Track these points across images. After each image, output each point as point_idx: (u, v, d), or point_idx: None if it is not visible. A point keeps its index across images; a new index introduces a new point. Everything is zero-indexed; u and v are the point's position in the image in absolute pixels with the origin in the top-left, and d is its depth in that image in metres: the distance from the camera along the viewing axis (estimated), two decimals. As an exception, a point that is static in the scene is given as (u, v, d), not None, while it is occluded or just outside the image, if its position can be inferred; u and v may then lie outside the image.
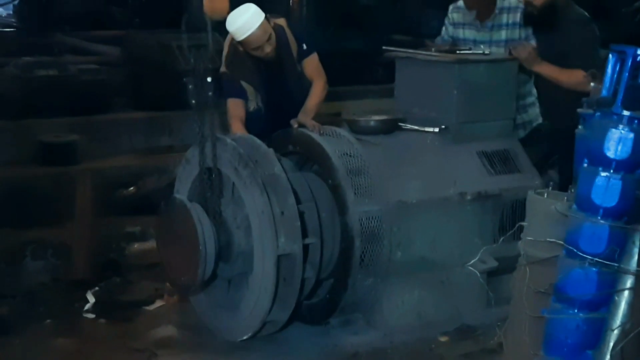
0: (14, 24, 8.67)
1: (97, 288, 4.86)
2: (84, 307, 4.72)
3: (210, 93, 4.11)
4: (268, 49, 4.75)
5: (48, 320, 4.57)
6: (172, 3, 7.06)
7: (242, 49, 4.78)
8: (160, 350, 4.26)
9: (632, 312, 2.94)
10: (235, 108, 4.85)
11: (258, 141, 4.33)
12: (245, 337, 4.23)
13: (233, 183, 4.25)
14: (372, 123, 4.82)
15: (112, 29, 7.56)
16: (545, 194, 3.16)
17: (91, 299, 4.76)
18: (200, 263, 4.07)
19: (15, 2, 9.10)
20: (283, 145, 4.62)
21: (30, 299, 4.74)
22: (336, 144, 4.49)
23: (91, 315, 4.68)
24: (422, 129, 4.79)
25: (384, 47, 5.22)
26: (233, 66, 4.83)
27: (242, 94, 4.87)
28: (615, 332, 2.95)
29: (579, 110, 3.04)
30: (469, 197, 4.60)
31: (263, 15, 4.70)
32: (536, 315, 3.03)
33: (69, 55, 6.70)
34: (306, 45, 4.93)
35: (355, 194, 4.32)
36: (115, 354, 4.23)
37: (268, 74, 4.86)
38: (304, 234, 4.13)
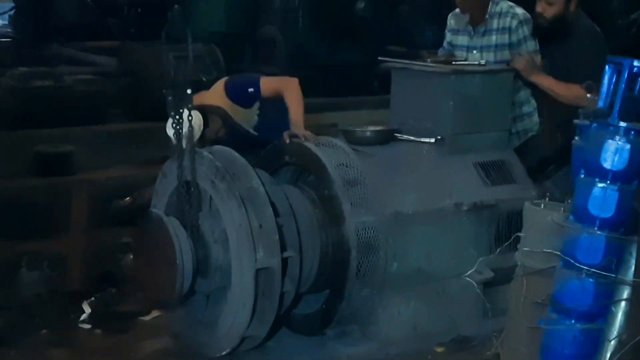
0: (10, 35, 8.68)
1: (92, 299, 4.84)
2: (79, 318, 4.71)
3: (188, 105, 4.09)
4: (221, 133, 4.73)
5: (44, 331, 4.55)
6: (166, 14, 7.12)
7: None
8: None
9: (629, 322, 2.95)
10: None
11: (235, 154, 4.28)
12: (223, 353, 4.16)
13: (210, 196, 4.20)
14: (368, 134, 4.83)
15: (108, 40, 7.56)
16: (542, 205, 3.17)
17: (87, 310, 4.75)
18: (178, 278, 4.04)
19: (11, 13, 9.10)
20: (279, 157, 4.62)
21: (26, 310, 4.72)
22: (332, 154, 4.48)
23: (87, 326, 4.66)
24: (418, 139, 4.79)
25: (379, 58, 5.24)
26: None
27: None
28: (613, 342, 2.96)
29: (575, 121, 3.05)
30: (464, 208, 4.60)
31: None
32: (533, 326, 3.03)
33: (65, 66, 6.69)
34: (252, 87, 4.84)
35: (351, 204, 4.31)
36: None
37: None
38: (283, 248, 4.08)
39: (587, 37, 4.78)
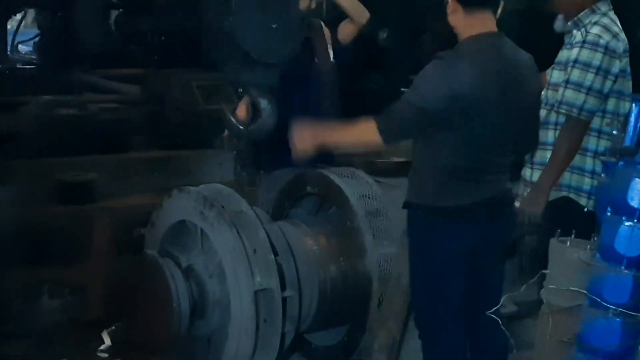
0: (35, 62, 8.77)
1: (113, 327, 4.83)
2: (98, 347, 4.69)
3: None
4: None
5: (64, 360, 4.56)
6: (191, 42, 7.16)
7: None
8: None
9: (657, 363, 2.90)
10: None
11: (220, 186, 4.31)
12: None
13: (201, 233, 4.21)
14: (390, 164, 4.82)
15: (132, 68, 7.62)
16: (568, 242, 3.13)
17: (106, 339, 4.73)
18: (175, 320, 4.04)
19: (36, 40, 9.20)
20: (301, 187, 4.62)
21: (46, 338, 4.72)
22: (354, 185, 4.48)
23: (105, 355, 4.65)
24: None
25: (402, 89, 5.23)
26: None
27: None
28: (640, 382, 2.91)
29: (601, 158, 3.03)
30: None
31: None
32: (559, 365, 3.00)
33: (89, 94, 6.74)
34: None
35: (373, 236, 4.30)
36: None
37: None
38: (282, 287, 4.03)
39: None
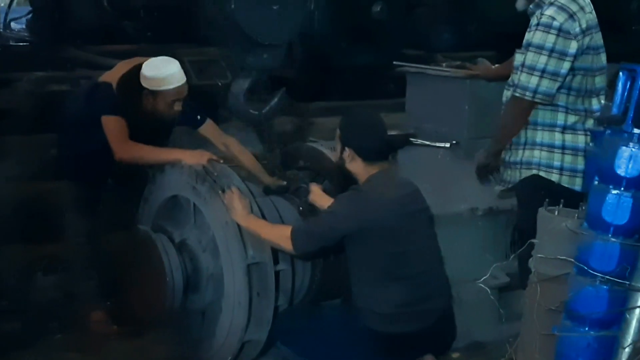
0: (27, 38, 8.72)
1: (109, 303, 4.85)
2: (96, 322, 4.71)
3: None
4: (179, 107, 4.40)
5: (58, 335, 4.57)
6: (184, 17, 7.12)
7: (148, 100, 4.37)
8: (171, 365, 4.26)
9: (644, 330, 2.93)
10: (122, 127, 4.39)
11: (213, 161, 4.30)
12: None
13: (194, 207, 4.23)
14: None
15: (125, 43, 7.57)
16: (556, 212, 3.15)
17: (104, 315, 4.76)
18: (168, 294, 4.07)
19: (29, 17, 9.14)
20: (294, 160, 4.64)
21: (42, 314, 4.74)
22: (347, 159, 4.49)
23: (104, 330, 4.67)
24: (433, 144, 4.80)
25: (395, 62, 5.24)
26: (125, 95, 4.42)
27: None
28: (627, 350, 2.94)
29: (589, 127, 3.04)
30: (480, 213, 4.60)
31: None
32: (547, 333, 3.02)
33: (82, 70, 6.70)
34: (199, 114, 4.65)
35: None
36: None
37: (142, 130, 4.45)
38: (275, 261, 4.05)
39: None
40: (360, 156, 3.84)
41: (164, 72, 4.33)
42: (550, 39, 3.94)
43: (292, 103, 6.00)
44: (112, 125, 4.35)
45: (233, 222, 3.99)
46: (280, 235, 3.86)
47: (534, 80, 3.97)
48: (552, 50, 3.94)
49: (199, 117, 4.64)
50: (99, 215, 4.74)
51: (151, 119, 4.43)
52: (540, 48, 3.96)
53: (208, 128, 4.68)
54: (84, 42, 7.48)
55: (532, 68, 3.98)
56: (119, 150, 4.34)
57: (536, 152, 4.14)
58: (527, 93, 3.99)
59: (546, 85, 3.97)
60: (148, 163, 4.50)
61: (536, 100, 4.00)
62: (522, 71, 4.01)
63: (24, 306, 4.71)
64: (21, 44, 8.68)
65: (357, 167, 3.87)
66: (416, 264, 3.80)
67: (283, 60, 5.13)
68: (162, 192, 4.43)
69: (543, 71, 3.96)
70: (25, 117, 5.42)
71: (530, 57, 3.98)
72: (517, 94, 4.03)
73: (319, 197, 4.20)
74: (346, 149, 3.85)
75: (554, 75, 3.97)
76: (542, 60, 3.95)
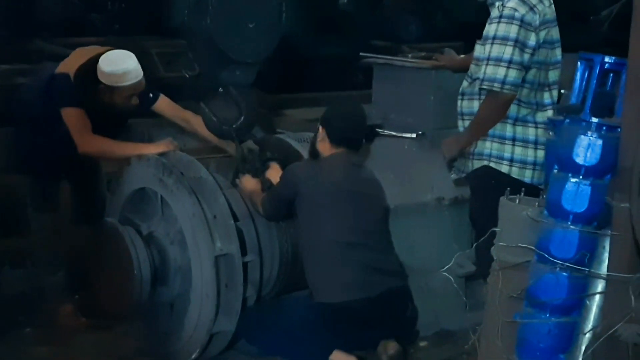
0: (-7, 31, 8.64)
1: (77, 296, 4.84)
2: (64, 316, 4.70)
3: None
4: (135, 101, 4.43)
5: (28, 329, 4.56)
6: (151, 9, 7.10)
7: (105, 94, 4.37)
8: (140, 358, 4.25)
9: (603, 315, 2.97)
10: (84, 119, 4.37)
11: (180, 153, 4.33)
12: (193, 357, 4.13)
13: (161, 200, 4.23)
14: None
15: (92, 36, 7.53)
16: (517, 200, 3.19)
17: (72, 308, 4.74)
18: (136, 287, 4.08)
19: (-5, 9, 9.06)
20: (261, 152, 4.64)
21: (11, 307, 4.72)
22: (314, 150, 4.50)
23: (72, 323, 4.66)
24: (399, 134, 4.82)
25: (361, 54, 5.25)
26: (82, 85, 4.39)
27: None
28: (587, 335, 2.99)
29: (549, 116, 3.08)
30: (446, 202, 4.64)
31: None
32: (509, 320, 3.06)
33: (49, 63, 6.66)
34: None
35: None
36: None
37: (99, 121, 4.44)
38: (243, 252, 4.08)
39: None
40: (329, 136, 4.08)
41: (121, 67, 4.33)
42: (513, 30, 3.98)
43: (260, 95, 6.00)
44: (74, 118, 4.34)
45: (200, 214, 4.00)
46: (257, 201, 4.21)
47: (501, 72, 4.00)
48: (516, 41, 3.98)
49: (150, 95, 4.61)
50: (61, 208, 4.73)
51: (108, 112, 4.43)
52: (505, 39, 3.99)
53: (162, 104, 4.66)
54: (50, 35, 7.43)
55: (498, 60, 4.01)
56: (83, 143, 4.33)
57: (487, 144, 4.20)
58: (495, 84, 4.02)
59: (514, 75, 4.00)
60: (112, 157, 4.49)
61: (505, 91, 4.03)
62: (487, 64, 4.04)
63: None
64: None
65: (324, 147, 4.10)
66: (362, 238, 3.99)
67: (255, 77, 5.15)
68: (129, 185, 4.42)
69: (510, 62, 3.99)
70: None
71: (496, 49, 4.01)
72: (485, 87, 4.06)
73: (276, 173, 4.35)
74: (320, 127, 4.11)
75: (519, 65, 4.01)
76: (508, 51, 3.99)
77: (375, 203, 4.14)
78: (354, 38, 7.38)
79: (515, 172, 4.15)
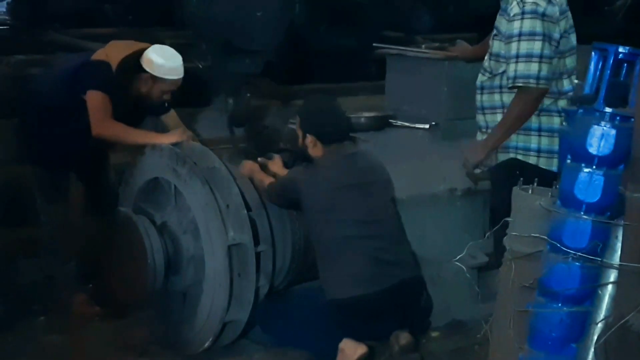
0: (7, 22, 8.69)
1: (90, 285, 4.87)
2: (78, 304, 4.73)
3: None
4: (168, 97, 4.60)
5: (42, 317, 4.58)
6: (164, 1, 7.12)
7: (146, 84, 4.48)
8: (152, 346, 4.27)
9: (615, 305, 2.97)
10: (107, 104, 4.43)
11: (193, 143, 4.37)
12: (206, 345, 4.16)
13: (175, 189, 4.25)
14: (362, 120, 4.86)
15: (105, 27, 7.56)
16: (530, 190, 3.19)
17: (86, 297, 4.77)
18: (149, 276, 4.10)
19: (9, 0, 9.11)
20: (273, 143, 4.66)
21: (25, 297, 4.75)
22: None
23: (86, 312, 4.69)
24: (412, 125, 4.83)
25: (374, 45, 5.26)
26: (125, 75, 4.47)
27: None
28: (599, 325, 2.98)
29: (562, 107, 3.07)
30: (458, 193, 4.64)
31: None
32: (521, 309, 3.06)
33: (61, 53, 6.68)
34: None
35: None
36: (109, 349, 4.25)
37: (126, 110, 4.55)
38: (256, 242, 4.10)
39: None
40: (321, 141, 4.11)
41: (172, 62, 4.46)
42: (539, 25, 3.97)
43: (274, 86, 6.02)
44: (98, 101, 4.39)
45: (213, 203, 4.01)
46: (263, 187, 4.26)
47: (534, 67, 3.98)
48: (543, 35, 3.97)
49: (166, 104, 4.74)
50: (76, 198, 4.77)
51: (137, 102, 4.52)
52: (532, 35, 3.98)
53: (171, 116, 4.80)
54: (64, 26, 7.46)
55: (529, 56, 3.99)
56: (98, 125, 4.37)
57: (513, 136, 4.16)
58: (531, 81, 3.99)
59: (546, 70, 3.99)
60: (124, 143, 4.53)
61: (540, 86, 4.01)
62: (517, 61, 4.01)
63: (7, 289, 4.72)
64: (1, 27, 8.65)
65: (318, 151, 4.15)
66: (370, 230, 4.01)
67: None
68: (142, 175, 4.44)
69: (541, 57, 3.98)
70: (4, 101, 5.40)
71: (525, 46, 3.99)
72: (521, 84, 4.03)
73: (277, 167, 4.38)
74: (307, 135, 4.11)
75: (549, 59, 4.01)
76: (537, 46, 3.97)
77: (381, 188, 4.16)
78: (366, 29, 7.38)
79: (543, 163, 4.13)
